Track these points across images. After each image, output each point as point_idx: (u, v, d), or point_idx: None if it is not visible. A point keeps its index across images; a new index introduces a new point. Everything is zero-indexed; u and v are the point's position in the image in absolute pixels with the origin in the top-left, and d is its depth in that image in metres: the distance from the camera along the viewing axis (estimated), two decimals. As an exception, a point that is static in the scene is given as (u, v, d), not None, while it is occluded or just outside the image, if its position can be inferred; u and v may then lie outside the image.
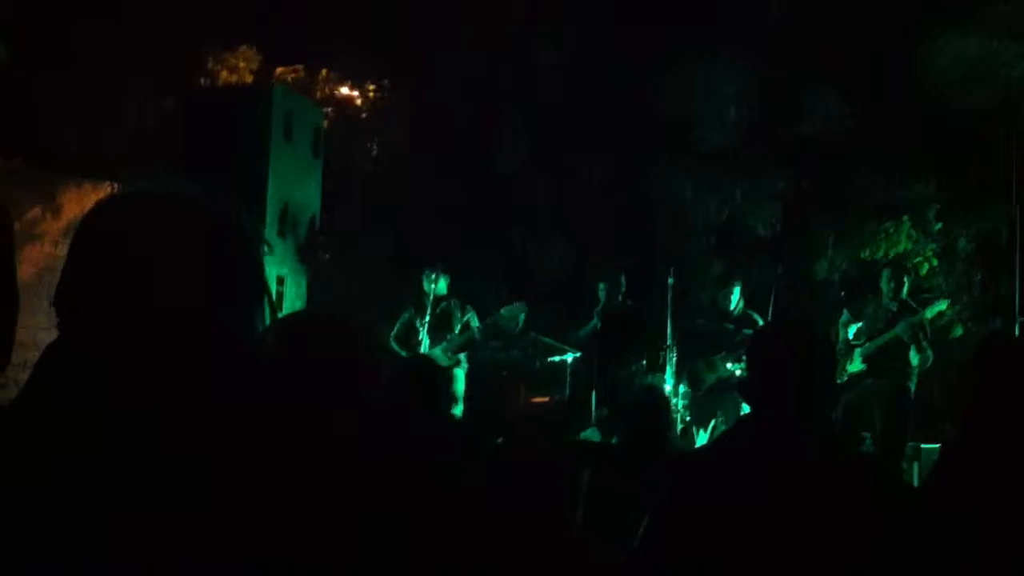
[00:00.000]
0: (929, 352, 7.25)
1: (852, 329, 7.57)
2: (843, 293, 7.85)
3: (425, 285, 8.02)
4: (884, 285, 7.63)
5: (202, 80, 12.70)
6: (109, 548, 1.15)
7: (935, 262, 9.20)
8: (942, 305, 7.47)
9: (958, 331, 8.64)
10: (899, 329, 7.31)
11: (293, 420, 1.45)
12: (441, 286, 8.15)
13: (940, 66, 9.22)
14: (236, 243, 1.35)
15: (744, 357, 8.11)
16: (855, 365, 7.42)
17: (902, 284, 7.65)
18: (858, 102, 9.56)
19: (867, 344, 7.39)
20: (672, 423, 4.92)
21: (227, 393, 1.28)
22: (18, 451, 1.21)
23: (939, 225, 9.22)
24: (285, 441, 1.34)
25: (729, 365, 8.26)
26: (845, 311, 7.65)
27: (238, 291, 1.34)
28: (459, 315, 8.12)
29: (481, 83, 12.04)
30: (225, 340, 1.32)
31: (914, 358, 7.33)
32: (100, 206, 1.36)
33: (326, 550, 1.30)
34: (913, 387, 7.38)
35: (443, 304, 8.20)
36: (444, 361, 8.02)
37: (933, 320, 7.48)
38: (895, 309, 7.60)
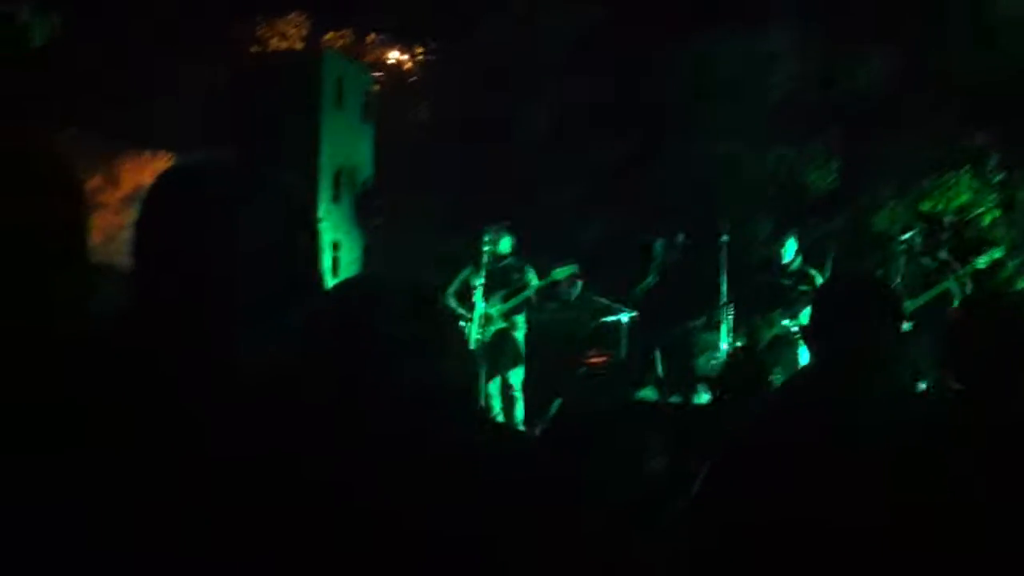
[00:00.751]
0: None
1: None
2: (903, 247, 7.73)
3: (484, 244, 8.03)
4: (918, 239, 7.54)
5: (253, 48, 12.76)
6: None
7: (997, 213, 9.04)
8: (997, 252, 7.32)
9: (1020, 284, 8.50)
10: (948, 283, 7.23)
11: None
12: (504, 245, 8.12)
13: (999, 9, 9.03)
14: (294, 211, 1.37)
15: (803, 311, 8.10)
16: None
17: (938, 240, 7.56)
18: (915, 52, 9.37)
19: (908, 303, 7.29)
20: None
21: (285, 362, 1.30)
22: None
23: (999, 176, 9.04)
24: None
25: (786, 321, 8.21)
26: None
27: (295, 259, 1.36)
28: (516, 276, 8.12)
29: (527, 44, 11.96)
30: (285, 305, 1.34)
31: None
32: (164, 178, 1.38)
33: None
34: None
35: (503, 263, 8.18)
36: (499, 322, 8.05)
37: (990, 271, 7.35)
38: (935, 266, 7.50)
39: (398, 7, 13.03)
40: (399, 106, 12.15)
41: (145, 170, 12.19)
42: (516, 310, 8.13)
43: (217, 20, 11.75)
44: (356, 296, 2.04)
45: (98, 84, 10.88)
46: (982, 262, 7.20)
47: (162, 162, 12.38)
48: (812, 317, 2.70)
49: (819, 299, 2.79)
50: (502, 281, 8.10)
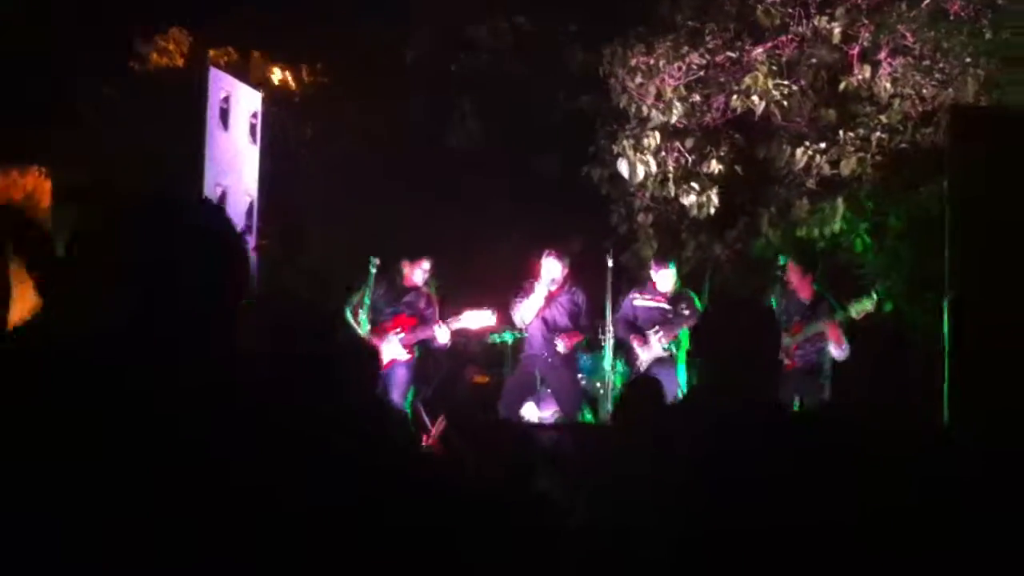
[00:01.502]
0: (847, 346, 7.50)
1: None
2: (779, 272, 8.00)
3: (371, 276, 8.16)
4: (793, 277, 7.84)
5: (134, 64, 12.48)
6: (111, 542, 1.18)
7: (867, 239, 9.41)
8: (868, 304, 7.60)
9: (888, 307, 8.86)
10: (820, 325, 7.56)
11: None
12: (416, 274, 8.28)
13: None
14: (232, 244, 1.39)
15: (679, 334, 8.32)
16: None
17: (812, 275, 7.89)
18: (792, 79, 9.71)
19: (786, 339, 7.60)
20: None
21: (228, 389, 1.32)
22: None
23: (871, 203, 9.43)
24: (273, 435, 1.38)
25: (665, 343, 8.42)
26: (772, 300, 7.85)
27: (233, 290, 1.38)
28: (421, 307, 8.21)
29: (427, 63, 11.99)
30: (225, 337, 1.36)
31: (834, 351, 7.57)
32: (101, 210, 1.38)
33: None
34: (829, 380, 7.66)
35: (412, 293, 8.30)
36: (400, 352, 8.13)
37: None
38: (809, 301, 7.81)
39: (283, 25, 12.93)
40: (285, 126, 12.04)
41: (13, 188, 11.80)
42: (416, 345, 8.26)
43: (97, 35, 11.48)
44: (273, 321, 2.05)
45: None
46: (854, 311, 7.52)
47: (32, 179, 12.00)
48: (695, 339, 2.80)
49: (704, 322, 2.90)
50: (405, 311, 8.19)
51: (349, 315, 8.10)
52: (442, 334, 8.12)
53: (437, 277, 8.52)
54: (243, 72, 12.60)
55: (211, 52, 13.26)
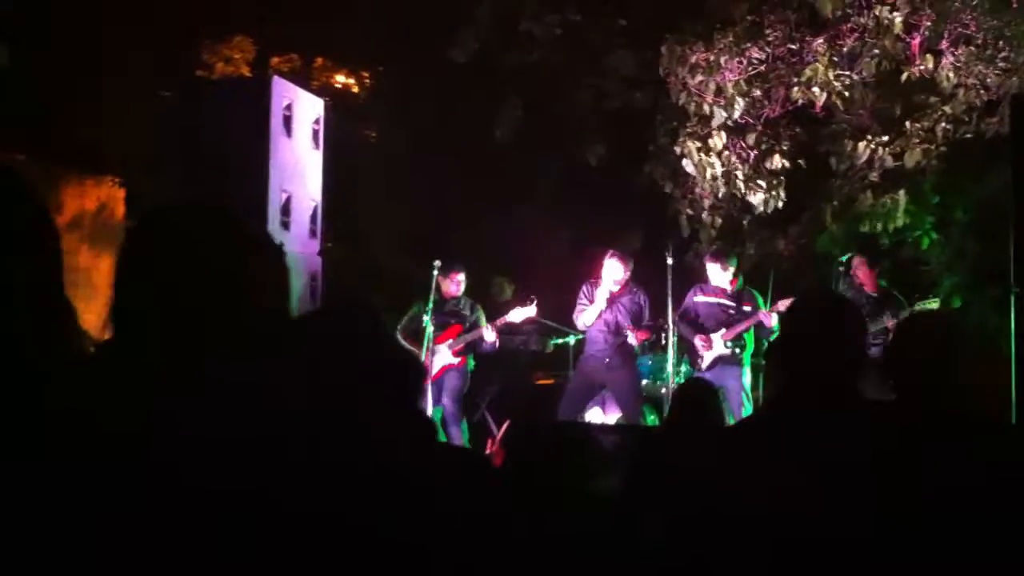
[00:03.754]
0: None
1: None
2: (840, 268, 7.93)
3: (433, 280, 8.22)
4: (860, 272, 7.77)
5: (199, 73, 12.73)
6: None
7: (933, 235, 9.27)
8: (933, 303, 7.53)
9: (956, 302, 8.73)
10: (885, 320, 7.47)
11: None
12: (449, 284, 8.37)
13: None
14: (272, 257, 1.45)
15: (743, 334, 8.25)
16: None
17: (878, 269, 7.81)
18: (853, 70, 9.59)
19: None
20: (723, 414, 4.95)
21: (262, 400, 1.38)
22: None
23: (936, 198, 9.29)
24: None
25: (729, 342, 8.34)
26: None
27: (274, 301, 1.44)
28: (468, 314, 8.30)
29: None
30: (264, 348, 1.41)
31: None
32: (145, 223, 1.45)
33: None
34: None
35: (453, 302, 8.40)
36: (449, 359, 8.22)
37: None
38: (876, 296, 7.73)
39: (344, 30, 13.10)
40: (347, 131, 12.20)
41: (88, 196, 12.11)
42: (466, 350, 8.34)
43: (163, 45, 11.73)
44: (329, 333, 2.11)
45: (44, 110, 10.81)
46: (918, 309, 7.45)
47: (107, 188, 12.31)
48: (778, 344, 2.72)
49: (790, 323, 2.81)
50: (451, 320, 8.29)
51: (400, 338, 8.23)
52: (488, 334, 8.21)
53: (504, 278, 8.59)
54: (305, 78, 12.79)
55: (274, 59, 13.48)
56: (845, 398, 2.42)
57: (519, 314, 8.32)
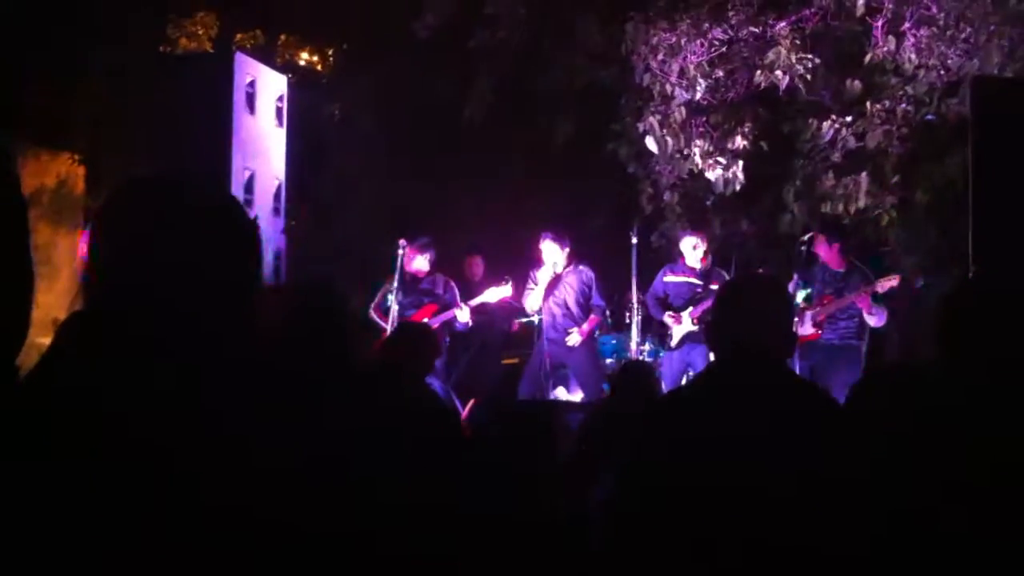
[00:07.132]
0: (882, 312, 7.52)
1: (800, 295, 7.80)
2: (802, 247, 8.01)
3: (399, 259, 8.18)
4: (820, 249, 7.87)
5: (161, 48, 12.58)
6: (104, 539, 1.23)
7: (894, 214, 9.36)
8: (893, 282, 7.64)
9: (920, 282, 8.84)
10: (851, 295, 7.58)
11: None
12: (419, 262, 8.33)
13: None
14: (245, 227, 1.45)
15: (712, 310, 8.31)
16: (804, 329, 7.65)
17: (839, 245, 7.91)
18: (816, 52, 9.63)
19: (818, 308, 7.64)
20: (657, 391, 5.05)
21: (239, 374, 1.37)
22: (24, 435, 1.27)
23: (895, 177, 9.38)
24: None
25: (695, 319, 8.42)
26: (795, 275, 7.86)
27: (246, 272, 1.43)
28: (441, 292, 8.29)
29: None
30: (239, 319, 1.40)
31: (869, 319, 7.59)
32: (119, 193, 1.44)
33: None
34: (865, 348, 7.67)
35: (425, 280, 8.38)
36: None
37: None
38: (842, 272, 7.83)
39: (309, 7, 12.98)
40: (313, 109, 12.11)
41: (47, 172, 11.96)
42: (441, 329, 8.32)
43: (122, 18, 11.57)
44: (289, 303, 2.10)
45: (3, 82, 10.64)
46: (879, 287, 7.57)
47: (66, 164, 12.16)
48: (713, 316, 2.84)
49: (721, 298, 2.93)
50: (423, 299, 8.26)
51: (373, 315, 8.21)
52: (462, 314, 8.21)
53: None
54: (270, 54, 12.69)
55: (238, 35, 13.35)
56: (769, 370, 2.57)
57: (494, 294, 8.34)
